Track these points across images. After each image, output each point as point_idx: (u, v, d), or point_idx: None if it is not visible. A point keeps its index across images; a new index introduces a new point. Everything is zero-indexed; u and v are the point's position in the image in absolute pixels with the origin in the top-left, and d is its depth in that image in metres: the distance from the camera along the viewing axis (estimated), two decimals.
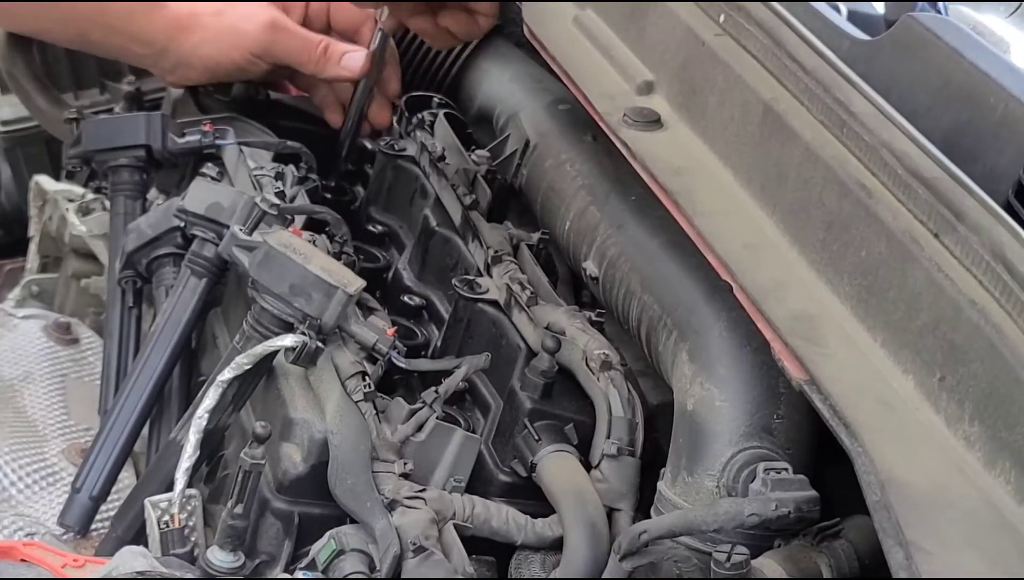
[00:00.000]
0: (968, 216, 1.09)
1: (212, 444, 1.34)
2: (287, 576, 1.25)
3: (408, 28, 1.74)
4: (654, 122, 1.42)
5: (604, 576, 1.17)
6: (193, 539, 1.31)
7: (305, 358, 1.30)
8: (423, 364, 1.40)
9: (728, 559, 1.08)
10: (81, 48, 1.97)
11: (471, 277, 1.45)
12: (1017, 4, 1.71)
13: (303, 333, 1.30)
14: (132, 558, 1.16)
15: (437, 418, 1.30)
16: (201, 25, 1.75)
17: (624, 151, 1.40)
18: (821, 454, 1.22)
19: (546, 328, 1.37)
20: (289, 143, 1.69)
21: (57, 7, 1.77)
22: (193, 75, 1.81)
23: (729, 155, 1.35)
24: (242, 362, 1.31)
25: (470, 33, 1.65)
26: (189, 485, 1.31)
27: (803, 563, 1.15)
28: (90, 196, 1.93)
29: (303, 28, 1.77)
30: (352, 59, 1.74)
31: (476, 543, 1.25)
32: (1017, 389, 1.00)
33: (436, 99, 1.81)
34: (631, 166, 1.39)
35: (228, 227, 1.41)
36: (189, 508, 1.31)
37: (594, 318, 1.41)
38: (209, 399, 1.31)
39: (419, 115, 1.75)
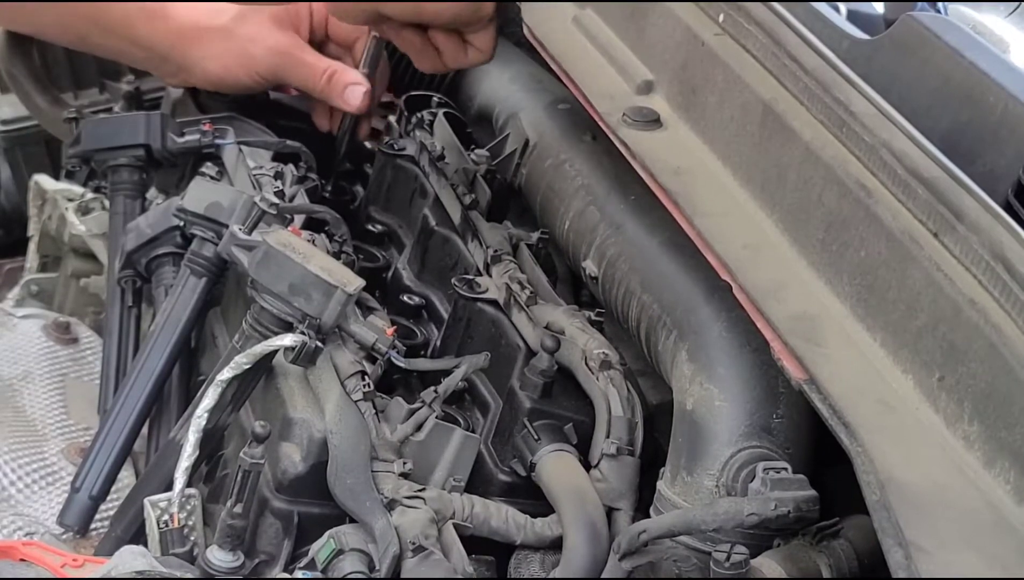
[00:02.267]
0: (968, 216, 1.09)
1: (211, 444, 1.34)
2: (286, 576, 1.25)
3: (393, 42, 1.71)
4: (654, 122, 1.42)
5: (604, 576, 1.17)
6: (192, 539, 1.31)
7: (304, 358, 1.30)
8: (422, 364, 1.40)
9: (727, 559, 1.08)
10: (82, 49, 1.96)
11: (470, 276, 1.45)
12: (1017, 4, 1.71)
13: (302, 332, 1.30)
14: (131, 558, 1.16)
15: (436, 418, 1.30)
16: (208, 41, 1.73)
17: (623, 151, 1.40)
18: (821, 454, 1.22)
19: (545, 327, 1.37)
20: (288, 142, 1.69)
21: (56, 8, 1.77)
22: (195, 82, 1.80)
23: (729, 155, 1.35)
24: (241, 362, 1.31)
25: (457, 61, 1.61)
26: (188, 484, 1.31)
27: (802, 563, 1.15)
28: (89, 195, 1.93)
29: (311, 52, 1.75)
30: (353, 93, 1.72)
31: (475, 543, 1.25)
32: (1017, 389, 1.00)
33: (436, 98, 1.81)
34: (630, 166, 1.39)
35: (227, 226, 1.41)
36: (188, 508, 1.31)
37: (593, 318, 1.41)
38: (208, 398, 1.31)
39: (418, 114, 1.75)
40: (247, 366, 1.31)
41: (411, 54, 1.59)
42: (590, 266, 1.46)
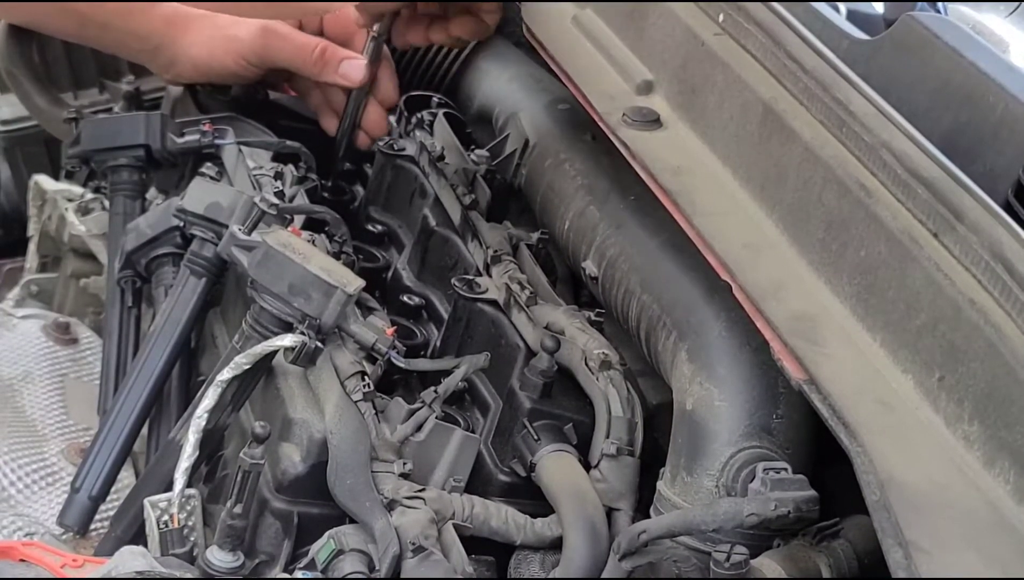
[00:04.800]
0: (967, 216, 1.09)
1: (211, 444, 1.34)
2: (286, 576, 1.25)
3: (410, 41, 1.72)
4: (653, 122, 1.42)
5: (603, 576, 1.17)
6: (192, 539, 1.31)
7: (304, 358, 1.30)
8: (422, 364, 1.40)
9: (727, 559, 1.08)
10: (79, 41, 1.96)
11: (470, 277, 1.45)
12: (1017, 4, 1.71)
13: (302, 333, 1.30)
14: (131, 558, 1.16)
15: (436, 418, 1.30)
16: (194, 26, 1.74)
17: (623, 151, 1.40)
18: (821, 454, 1.22)
19: (545, 328, 1.37)
20: (288, 143, 1.69)
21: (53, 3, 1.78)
22: (184, 73, 1.80)
23: (729, 155, 1.34)
24: (241, 362, 1.31)
25: (479, 33, 1.65)
26: (188, 485, 1.31)
27: (802, 563, 1.15)
28: (89, 196, 1.93)
29: (298, 31, 1.75)
30: (351, 67, 1.71)
31: (475, 543, 1.25)
32: (1016, 389, 1.00)
33: (435, 99, 1.81)
34: (630, 166, 1.39)
35: (227, 227, 1.41)
36: (188, 508, 1.31)
37: (593, 318, 1.40)
38: (208, 399, 1.31)
39: (418, 115, 1.75)
40: (247, 366, 1.31)
41: (424, 28, 1.61)
42: (590, 266, 1.46)
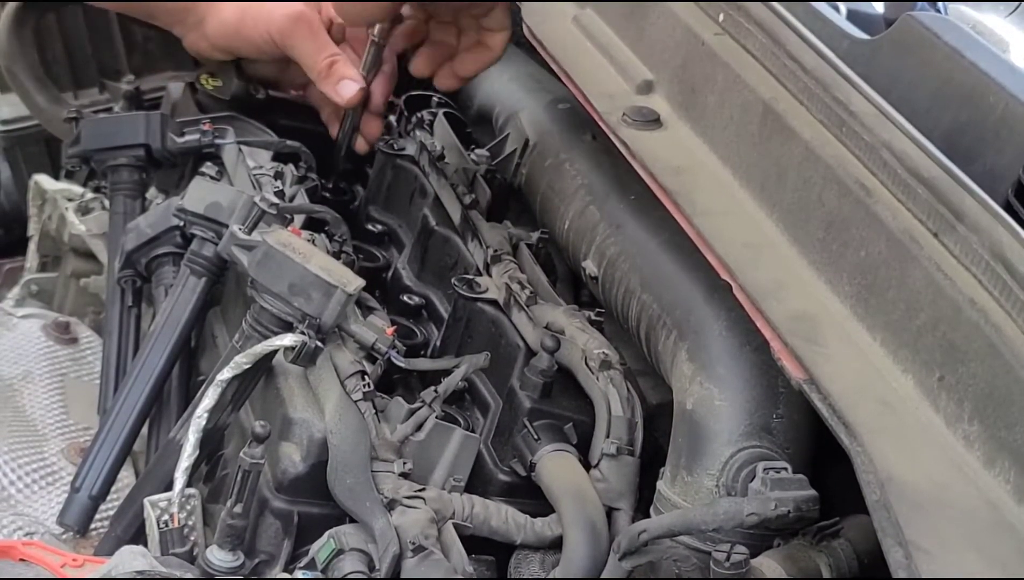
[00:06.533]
0: (968, 216, 1.09)
1: (211, 443, 1.34)
2: (286, 576, 1.25)
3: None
4: (653, 121, 1.42)
5: (603, 576, 1.17)
6: (192, 538, 1.31)
7: (304, 357, 1.30)
8: (422, 363, 1.40)
9: (727, 558, 1.08)
10: (100, 5, 1.94)
11: (470, 276, 1.45)
12: (1017, 4, 1.71)
13: (302, 332, 1.30)
14: (131, 557, 1.16)
15: (436, 417, 1.30)
16: None
17: (623, 150, 1.40)
18: (821, 454, 1.22)
19: (545, 327, 1.37)
20: (288, 142, 1.69)
21: None
22: (211, 33, 1.76)
23: (729, 155, 1.35)
24: (241, 361, 1.31)
25: (483, 62, 1.65)
26: (188, 484, 1.31)
27: (802, 562, 1.15)
28: (89, 195, 1.93)
29: (326, 34, 1.75)
30: (346, 86, 1.71)
31: (475, 542, 1.25)
32: (1017, 388, 1.00)
33: (435, 98, 1.81)
34: (630, 165, 1.39)
35: (227, 226, 1.41)
36: (188, 507, 1.31)
37: (593, 317, 1.41)
38: (208, 398, 1.31)
39: (418, 114, 1.75)
40: (247, 366, 1.31)
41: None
42: (590, 266, 1.46)
